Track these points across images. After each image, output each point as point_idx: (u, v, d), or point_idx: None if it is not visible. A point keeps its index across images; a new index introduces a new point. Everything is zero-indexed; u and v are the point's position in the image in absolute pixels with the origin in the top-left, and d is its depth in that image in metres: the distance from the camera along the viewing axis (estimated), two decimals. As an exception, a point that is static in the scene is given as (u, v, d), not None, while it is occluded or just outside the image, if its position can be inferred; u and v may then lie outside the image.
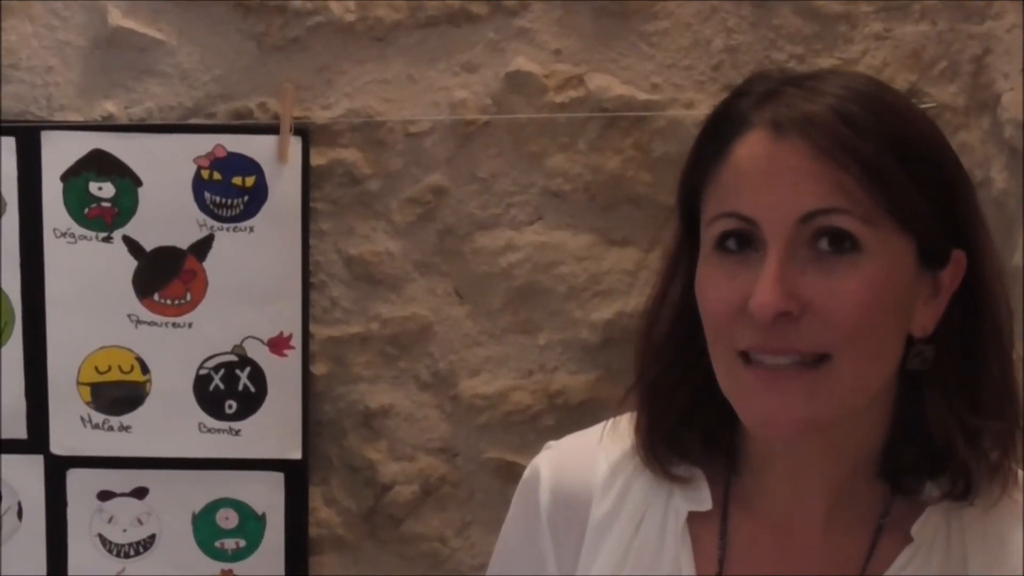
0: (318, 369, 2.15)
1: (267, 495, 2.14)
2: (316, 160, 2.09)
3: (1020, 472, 1.10)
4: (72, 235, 2.07)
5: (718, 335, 1.04)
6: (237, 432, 2.12)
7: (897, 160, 1.00)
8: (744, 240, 1.02)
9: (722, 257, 1.04)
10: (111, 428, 2.12)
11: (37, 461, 2.13)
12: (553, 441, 1.23)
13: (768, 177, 1.01)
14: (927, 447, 1.07)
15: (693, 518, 1.12)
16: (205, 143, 2.06)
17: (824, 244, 1.00)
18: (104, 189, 2.07)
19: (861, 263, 0.99)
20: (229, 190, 2.07)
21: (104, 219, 2.07)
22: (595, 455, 1.18)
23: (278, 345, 2.10)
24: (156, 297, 2.09)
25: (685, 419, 1.12)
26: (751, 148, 1.02)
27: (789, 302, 0.98)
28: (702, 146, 1.08)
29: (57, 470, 2.13)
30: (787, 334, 0.99)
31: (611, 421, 1.18)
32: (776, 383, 1.00)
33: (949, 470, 1.07)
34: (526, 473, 1.22)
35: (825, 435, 1.06)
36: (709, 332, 1.05)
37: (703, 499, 1.12)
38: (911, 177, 1.00)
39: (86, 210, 2.07)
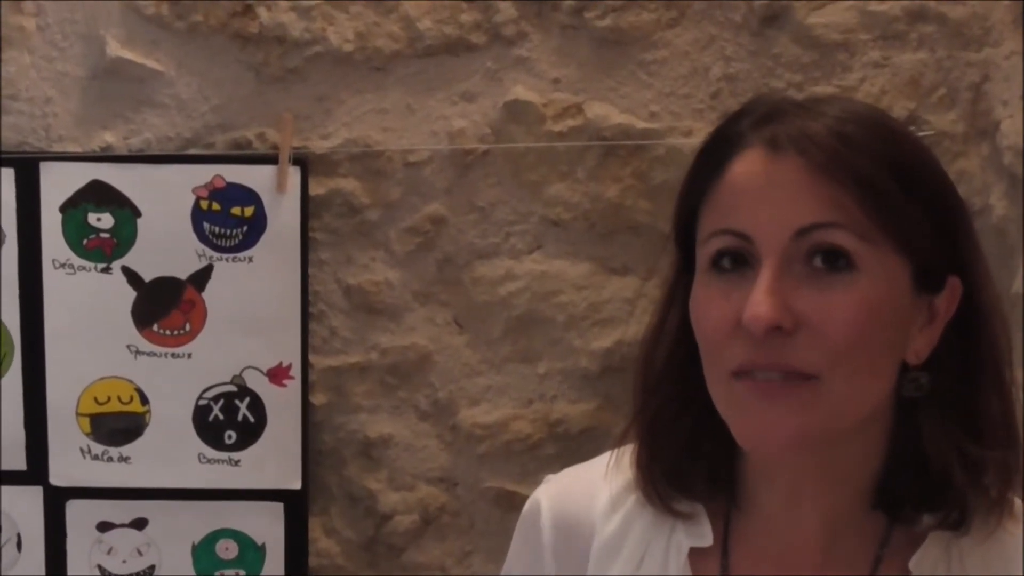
0: (317, 399, 2.15)
1: (267, 525, 2.13)
2: (315, 190, 2.09)
3: (1019, 502, 1.09)
4: (71, 266, 2.07)
5: (713, 354, 1.04)
6: (237, 462, 2.11)
7: (894, 180, 1.00)
8: (738, 259, 1.02)
9: (717, 276, 1.03)
10: (110, 459, 2.11)
11: (36, 492, 2.12)
12: (552, 475, 1.23)
13: (763, 193, 1.01)
14: (924, 476, 1.07)
15: (695, 554, 1.11)
16: (204, 173, 2.06)
17: (819, 261, 1.00)
18: (103, 220, 2.07)
19: (856, 281, 0.99)
20: (228, 220, 2.07)
21: (103, 250, 2.07)
22: (595, 486, 1.17)
23: (277, 375, 2.10)
24: (155, 328, 2.09)
25: (687, 453, 1.11)
26: (747, 166, 1.03)
27: (782, 315, 0.98)
28: (699, 166, 1.08)
29: (56, 501, 2.12)
30: (780, 349, 0.99)
31: (614, 454, 1.18)
32: (769, 397, 1.00)
33: (946, 499, 1.06)
34: (526, 507, 1.22)
35: (820, 458, 1.05)
36: (704, 352, 1.05)
37: (704, 535, 1.11)
38: (908, 197, 1.00)
39: (85, 241, 2.07)
